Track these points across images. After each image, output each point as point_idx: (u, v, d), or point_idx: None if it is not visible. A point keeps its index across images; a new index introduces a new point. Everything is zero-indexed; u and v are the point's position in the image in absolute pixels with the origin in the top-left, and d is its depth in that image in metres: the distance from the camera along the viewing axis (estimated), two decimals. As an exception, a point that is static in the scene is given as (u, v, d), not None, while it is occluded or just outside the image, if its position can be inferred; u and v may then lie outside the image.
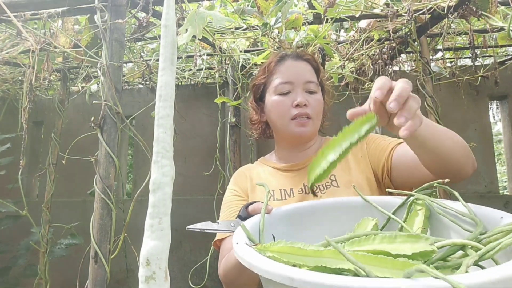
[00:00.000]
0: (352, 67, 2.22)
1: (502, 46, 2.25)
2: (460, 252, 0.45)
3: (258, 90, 1.00)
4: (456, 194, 0.59)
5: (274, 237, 0.60)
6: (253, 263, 0.40)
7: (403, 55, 2.42)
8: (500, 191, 3.33)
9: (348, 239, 0.49)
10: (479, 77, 2.39)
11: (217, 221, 0.69)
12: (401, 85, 0.52)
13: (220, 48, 1.98)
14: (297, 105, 0.88)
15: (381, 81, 0.54)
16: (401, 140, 0.84)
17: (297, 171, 0.95)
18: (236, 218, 0.72)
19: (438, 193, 1.79)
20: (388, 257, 0.39)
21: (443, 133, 0.69)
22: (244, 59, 2.31)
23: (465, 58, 2.74)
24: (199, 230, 0.67)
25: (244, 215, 0.70)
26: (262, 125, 1.03)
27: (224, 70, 2.46)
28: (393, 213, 0.62)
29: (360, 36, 1.86)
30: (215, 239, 0.91)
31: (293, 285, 0.34)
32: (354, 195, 0.83)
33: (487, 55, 2.52)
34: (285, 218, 0.66)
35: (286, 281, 0.34)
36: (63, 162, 1.49)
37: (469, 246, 0.43)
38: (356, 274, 0.37)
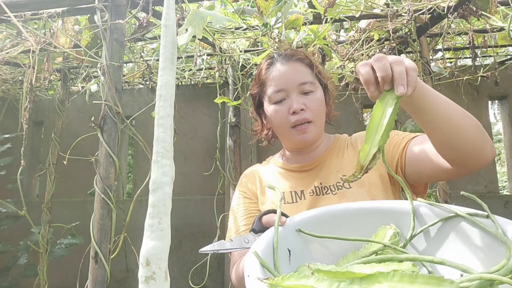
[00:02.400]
0: (352, 67, 2.22)
1: (502, 46, 2.25)
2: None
3: (255, 100, 0.98)
4: (485, 206, 0.56)
5: (289, 251, 0.59)
6: None
7: (403, 55, 2.42)
8: (500, 191, 3.33)
9: (362, 277, 0.45)
10: (479, 77, 2.39)
11: (230, 238, 0.68)
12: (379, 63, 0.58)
13: (220, 48, 1.98)
14: (294, 112, 0.86)
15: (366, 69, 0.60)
16: (414, 134, 0.82)
17: (306, 172, 0.92)
18: (250, 231, 0.69)
19: (438, 193, 1.79)
20: None
21: (449, 103, 0.67)
22: (244, 59, 2.31)
23: (465, 58, 2.74)
24: (212, 252, 0.65)
25: (258, 227, 0.68)
26: (268, 131, 1.01)
27: (224, 70, 2.46)
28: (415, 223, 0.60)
29: (360, 36, 1.86)
30: None
31: None
32: (367, 195, 0.80)
33: (487, 55, 2.52)
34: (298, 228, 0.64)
35: None
36: (64, 162, 1.49)
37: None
38: None
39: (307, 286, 0.42)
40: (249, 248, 0.61)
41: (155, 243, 0.27)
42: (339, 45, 2.04)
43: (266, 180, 0.95)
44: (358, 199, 0.79)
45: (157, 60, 2.24)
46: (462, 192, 0.61)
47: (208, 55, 2.23)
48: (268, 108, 0.91)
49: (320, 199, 0.85)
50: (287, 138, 0.91)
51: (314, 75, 0.91)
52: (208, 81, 3.08)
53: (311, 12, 1.57)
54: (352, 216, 0.65)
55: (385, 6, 1.59)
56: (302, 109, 0.85)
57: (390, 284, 0.41)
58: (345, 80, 2.30)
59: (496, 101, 3.05)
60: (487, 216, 0.54)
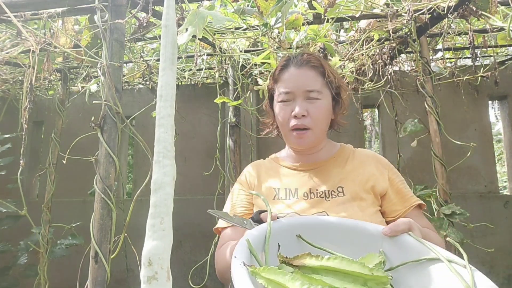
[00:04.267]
0: (352, 67, 2.22)
1: (502, 46, 2.25)
2: None
3: (269, 94, 1.04)
4: (465, 256, 0.57)
5: (279, 246, 0.62)
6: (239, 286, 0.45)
7: (403, 55, 2.42)
8: (500, 191, 3.33)
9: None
10: (479, 77, 2.39)
11: (234, 214, 0.75)
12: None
13: (220, 48, 1.98)
14: (295, 116, 0.90)
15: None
16: (416, 200, 0.91)
17: (303, 171, 0.96)
18: (249, 218, 0.75)
19: (438, 194, 1.79)
20: None
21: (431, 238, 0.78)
22: (244, 59, 2.31)
23: (465, 58, 2.74)
24: (217, 216, 0.72)
25: (257, 217, 0.73)
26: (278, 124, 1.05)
27: (224, 70, 2.45)
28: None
29: (360, 36, 1.86)
30: (217, 226, 0.95)
31: None
32: (358, 209, 0.84)
33: (487, 55, 2.52)
34: (293, 229, 0.68)
35: None
36: (63, 162, 1.48)
37: None
38: None
39: (281, 283, 0.47)
40: (246, 229, 0.69)
41: (157, 243, 0.27)
42: (339, 45, 2.04)
43: (265, 176, 0.99)
44: (349, 210, 0.84)
45: (157, 60, 2.24)
46: (448, 238, 0.66)
47: (208, 55, 2.23)
48: (276, 105, 0.97)
49: (314, 202, 0.88)
50: (287, 138, 0.96)
51: (324, 83, 0.93)
52: (208, 81, 3.08)
53: (311, 12, 1.57)
54: (346, 232, 0.69)
55: (385, 6, 1.59)
56: (303, 115, 0.89)
57: None
58: (345, 80, 2.30)
59: (496, 101, 3.05)
60: (465, 266, 0.55)
